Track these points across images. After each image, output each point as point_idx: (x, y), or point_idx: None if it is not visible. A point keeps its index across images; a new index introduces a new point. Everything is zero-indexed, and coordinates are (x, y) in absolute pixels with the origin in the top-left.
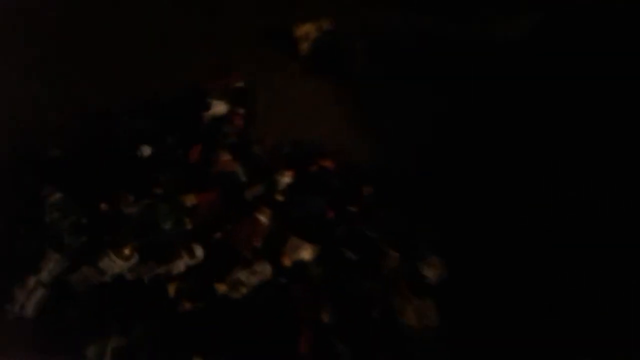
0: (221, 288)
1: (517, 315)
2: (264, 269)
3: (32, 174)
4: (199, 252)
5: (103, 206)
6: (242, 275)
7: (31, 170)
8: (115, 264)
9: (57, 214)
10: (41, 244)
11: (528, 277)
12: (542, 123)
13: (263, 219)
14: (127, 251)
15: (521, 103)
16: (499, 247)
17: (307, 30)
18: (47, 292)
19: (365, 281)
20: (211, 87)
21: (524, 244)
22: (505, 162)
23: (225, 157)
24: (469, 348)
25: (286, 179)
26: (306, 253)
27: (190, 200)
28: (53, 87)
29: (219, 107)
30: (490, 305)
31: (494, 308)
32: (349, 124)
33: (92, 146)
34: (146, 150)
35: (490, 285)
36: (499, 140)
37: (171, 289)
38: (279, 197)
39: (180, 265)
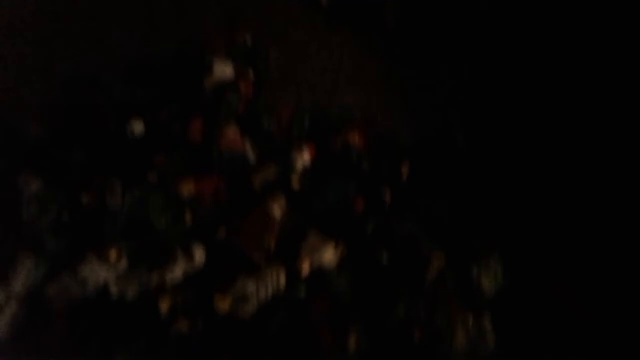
0: (224, 303)
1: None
2: (278, 278)
3: (8, 156)
4: (199, 254)
5: (86, 198)
6: (250, 285)
7: (8, 152)
8: (100, 271)
9: (36, 209)
10: (15, 246)
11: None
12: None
13: (276, 210)
14: (113, 254)
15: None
16: (569, 248)
17: None
18: (19, 308)
19: (404, 294)
20: (214, 45)
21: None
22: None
23: (232, 133)
24: None
25: (305, 158)
26: (329, 255)
27: (188, 189)
28: (38, 47)
29: (224, 71)
30: (557, 321)
31: (562, 325)
32: (380, 88)
33: (76, 123)
34: (138, 127)
35: (557, 296)
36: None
37: (164, 305)
38: (296, 185)
39: (177, 271)
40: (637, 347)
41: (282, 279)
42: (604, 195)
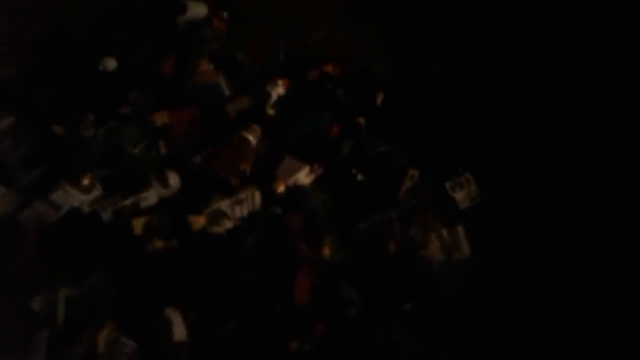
0: (199, 222)
1: (561, 245)
2: (253, 198)
3: None
4: (174, 180)
5: (58, 129)
6: (225, 205)
7: None
8: (73, 198)
9: (7, 143)
10: None
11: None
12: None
13: (251, 138)
14: (86, 181)
15: None
16: (542, 162)
17: None
18: None
19: (378, 208)
20: None
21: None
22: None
23: (205, 67)
24: (507, 285)
25: (279, 89)
26: (304, 176)
27: (161, 118)
28: None
29: (197, 10)
30: (533, 231)
31: (537, 234)
32: (354, 24)
33: (48, 59)
34: (110, 64)
35: (532, 207)
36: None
37: (137, 225)
38: (271, 112)
39: (152, 196)
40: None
41: (257, 199)
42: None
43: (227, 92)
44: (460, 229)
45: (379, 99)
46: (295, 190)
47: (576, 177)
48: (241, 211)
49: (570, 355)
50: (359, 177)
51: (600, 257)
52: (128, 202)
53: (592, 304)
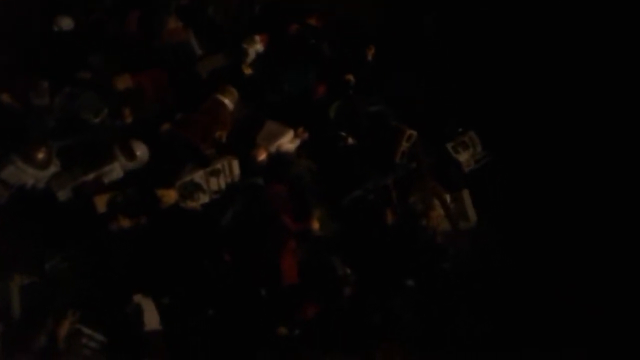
0: (170, 196)
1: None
2: (231, 168)
3: None
4: (141, 151)
5: (7, 97)
6: (199, 176)
7: None
8: (26, 174)
9: None
10: None
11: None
12: None
13: (227, 102)
14: (40, 155)
15: None
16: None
17: None
18: None
19: (372, 175)
20: None
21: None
22: None
23: (173, 24)
24: (517, 255)
25: (257, 46)
26: (288, 141)
27: (124, 82)
28: None
29: None
30: (544, 194)
31: (549, 197)
32: None
33: None
34: (66, 22)
35: (543, 167)
36: None
37: (100, 203)
38: (248, 71)
39: (116, 170)
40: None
41: (236, 169)
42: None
43: (198, 51)
44: (465, 194)
45: (370, 53)
46: (278, 158)
47: (589, 127)
48: (218, 183)
49: (580, 331)
50: (349, 140)
51: (617, 221)
52: (89, 177)
53: (607, 279)
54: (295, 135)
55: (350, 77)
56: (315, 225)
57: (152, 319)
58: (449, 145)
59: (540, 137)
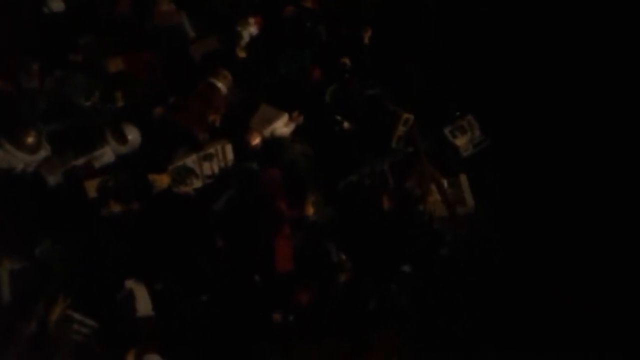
0: (162, 181)
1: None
2: (224, 152)
3: None
4: (133, 135)
5: None
6: (192, 161)
7: None
8: (16, 158)
9: None
10: None
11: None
12: None
13: (221, 85)
14: (30, 139)
15: None
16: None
17: None
18: None
19: (368, 159)
20: None
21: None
22: None
23: (166, 6)
24: (516, 242)
25: (252, 28)
26: (282, 125)
27: (116, 65)
28: None
29: None
30: (543, 179)
31: (548, 183)
32: None
33: None
34: (57, 4)
35: (542, 152)
36: None
37: (90, 188)
38: (242, 54)
39: (108, 154)
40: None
41: (229, 153)
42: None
43: (191, 33)
44: (463, 179)
45: (366, 36)
46: (273, 142)
47: (589, 111)
48: (211, 168)
49: (579, 324)
50: (345, 124)
51: (616, 208)
52: (80, 161)
53: (605, 266)
54: (290, 120)
55: (347, 61)
56: (310, 210)
57: (144, 305)
58: (447, 130)
59: (539, 121)
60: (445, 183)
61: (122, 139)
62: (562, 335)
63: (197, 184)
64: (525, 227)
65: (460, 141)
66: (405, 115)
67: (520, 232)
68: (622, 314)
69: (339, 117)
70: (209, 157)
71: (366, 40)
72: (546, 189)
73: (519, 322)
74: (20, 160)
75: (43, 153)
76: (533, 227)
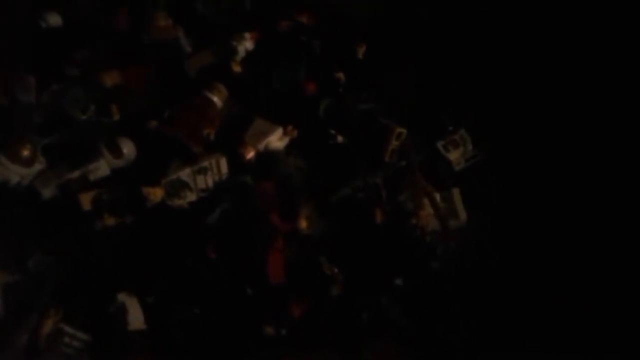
0: (156, 194)
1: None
2: (218, 165)
3: None
4: (128, 148)
5: None
6: (186, 174)
7: None
8: (10, 171)
9: None
10: None
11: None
12: None
13: (216, 99)
14: (25, 152)
15: None
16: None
17: None
18: None
19: (361, 173)
20: None
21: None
22: None
23: (162, 21)
24: (508, 256)
25: (247, 43)
26: (277, 139)
27: (112, 78)
28: None
29: None
30: (536, 194)
31: (541, 198)
32: None
33: None
34: (54, 19)
35: (535, 166)
36: None
37: (85, 200)
38: (237, 69)
39: (103, 167)
40: None
41: (223, 167)
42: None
43: (187, 48)
44: (455, 193)
45: (360, 51)
46: (267, 156)
47: (582, 125)
48: (205, 181)
49: (573, 332)
50: (339, 138)
51: (610, 222)
52: (75, 174)
53: (600, 280)
54: (284, 133)
55: (341, 75)
56: (303, 224)
57: (136, 318)
58: (440, 144)
59: (532, 135)
60: (438, 197)
61: (117, 152)
62: (556, 344)
63: (191, 197)
64: (518, 240)
65: (453, 155)
66: (399, 130)
67: (513, 245)
68: (616, 324)
69: (332, 131)
70: (203, 171)
71: (360, 55)
72: (539, 202)
73: (512, 333)
74: (15, 173)
75: (38, 166)
76: (526, 240)
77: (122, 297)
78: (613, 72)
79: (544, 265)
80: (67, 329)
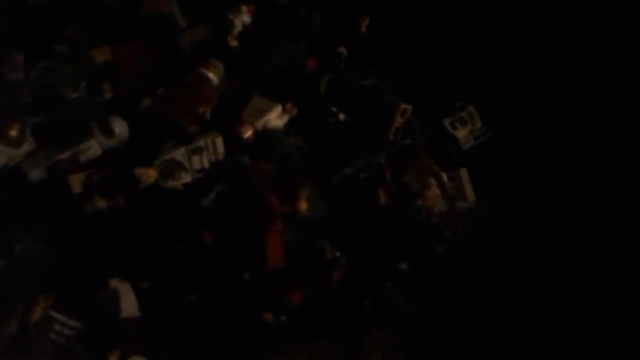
0: (149, 175)
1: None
2: (214, 145)
3: None
4: (121, 128)
5: None
6: (180, 154)
7: None
8: None
9: None
10: None
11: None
12: None
13: (211, 76)
14: (13, 132)
15: None
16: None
17: None
18: None
19: (364, 152)
20: None
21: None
22: None
23: None
24: (518, 237)
25: (244, 17)
26: (275, 117)
27: (102, 55)
28: None
29: None
30: (547, 172)
31: (552, 176)
32: None
33: None
34: None
35: (546, 143)
36: None
37: (74, 182)
38: (234, 44)
39: (94, 148)
40: None
41: (220, 146)
42: None
43: (181, 22)
44: (463, 173)
45: (363, 24)
46: (265, 135)
47: (593, 103)
48: (201, 161)
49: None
50: (341, 116)
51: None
52: (65, 155)
53: (606, 264)
54: (284, 111)
55: (343, 50)
56: (303, 205)
57: (129, 305)
58: (447, 121)
59: (543, 111)
60: (444, 177)
61: (109, 131)
62: (561, 333)
63: (186, 178)
64: (526, 223)
65: (461, 133)
66: (403, 106)
67: (521, 228)
68: (625, 312)
69: (334, 109)
70: (198, 150)
71: (363, 28)
72: (550, 183)
73: (517, 320)
74: (3, 154)
75: (27, 147)
76: (534, 223)
77: (114, 282)
78: (628, 47)
79: (549, 252)
80: (58, 316)
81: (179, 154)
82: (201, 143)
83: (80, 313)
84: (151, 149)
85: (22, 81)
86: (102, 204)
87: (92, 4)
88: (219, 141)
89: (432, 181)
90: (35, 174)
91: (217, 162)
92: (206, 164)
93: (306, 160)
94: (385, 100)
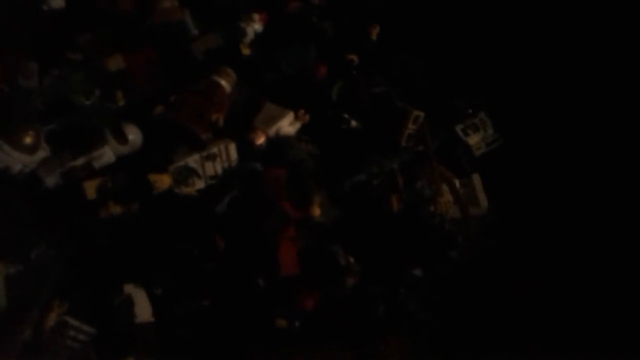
0: (163, 182)
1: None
2: (227, 152)
3: None
4: (134, 134)
5: None
6: (194, 161)
7: None
8: (13, 158)
9: None
10: None
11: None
12: None
13: (224, 83)
14: (28, 139)
15: None
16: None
17: None
18: None
19: (376, 159)
20: None
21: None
22: None
23: (168, 2)
24: (532, 244)
25: (256, 25)
26: (288, 124)
27: (116, 63)
28: None
29: None
30: (560, 179)
31: (565, 183)
32: None
33: None
34: (56, 1)
35: (558, 150)
36: None
37: (89, 189)
38: (246, 51)
39: (107, 154)
40: None
41: (233, 153)
42: None
43: (194, 30)
44: (476, 179)
45: (374, 32)
46: (278, 142)
47: (604, 107)
48: (214, 168)
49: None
50: (353, 123)
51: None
52: (79, 162)
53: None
54: (296, 118)
55: (354, 57)
56: (316, 211)
57: (143, 311)
58: (459, 128)
59: (554, 117)
60: (457, 183)
61: (122, 138)
62: (573, 337)
63: (200, 184)
64: (538, 228)
65: (473, 139)
66: (415, 113)
67: (533, 234)
68: None
69: (346, 115)
70: (211, 157)
71: (374, 36)
72: (562, 189)
73: (530, 326)
74: (18, 161)
75: (41, 153)
76: (547, 228)
77: (128, 288)
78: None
79: (563, 258)
80: (72, 321)
81: (193, 160)
82: (214, 150)
83: (94, 319)
84: (164, 155)
85: (36, 89)
86: (116, 210)
87: (105, 13)
88: (232, 148)
89: (445, 187)
90: (50, 181)
91: (230, 168)
92: (219, 170)
93: (318, 166)
94: (398, 106)
